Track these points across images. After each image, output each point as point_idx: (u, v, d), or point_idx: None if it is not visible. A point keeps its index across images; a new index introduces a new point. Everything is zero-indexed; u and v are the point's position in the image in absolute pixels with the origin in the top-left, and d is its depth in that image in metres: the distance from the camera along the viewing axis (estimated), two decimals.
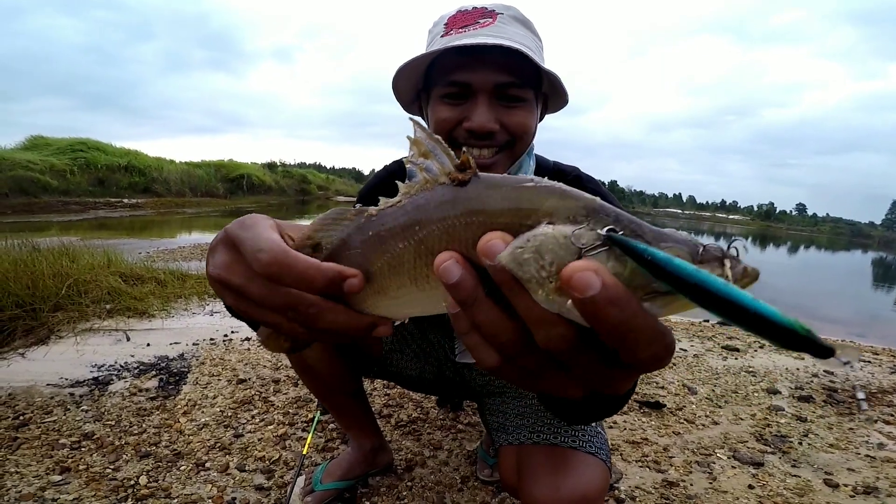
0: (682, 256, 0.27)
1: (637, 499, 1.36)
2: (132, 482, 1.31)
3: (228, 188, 20.29)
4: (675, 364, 2.58)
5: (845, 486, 1.50)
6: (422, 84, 0.87)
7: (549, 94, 0.89)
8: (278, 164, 27.17)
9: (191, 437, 1.53)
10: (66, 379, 1.88)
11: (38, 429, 1.56)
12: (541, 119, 0.91)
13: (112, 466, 1.38)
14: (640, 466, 1.53)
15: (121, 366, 2.01)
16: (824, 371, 2.66)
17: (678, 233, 0.30)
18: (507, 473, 0.90)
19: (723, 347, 3.03)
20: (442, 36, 0.79)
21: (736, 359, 2.81)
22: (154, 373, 1.96)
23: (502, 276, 0.29)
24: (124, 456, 1.43)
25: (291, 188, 25.18)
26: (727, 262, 0.27)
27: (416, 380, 1.17)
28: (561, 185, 0.32)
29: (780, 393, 2.28)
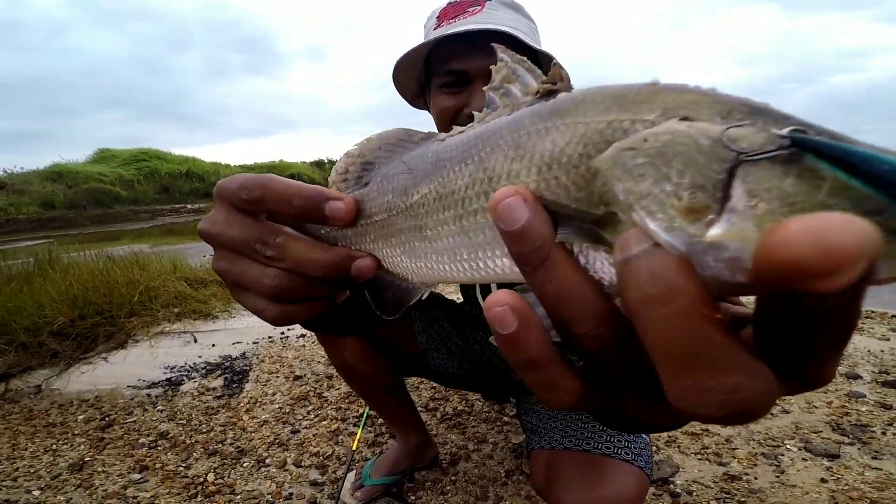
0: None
1: (694, 493, 1.31)
2: (201, 479, 1.40)
3: None
4: None
5: None
6: (423, 78, 0.88)
7: None
8: (326, 161, 27.89)
9: (252, 435, 1.61)
10: (144, 381, 2.04)
11: (122, 429, 1.70)
12: None
13: (184, 464, 1.48)
14: (699, 459, 1.47)
15: (190, 366, 2.16)
16: None
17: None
18: (538, 478, 0.89)
19: None
20: (434, 28, 0.81)
21: None
22: (219, 372, 2.09)
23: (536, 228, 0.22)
24: (194, 454, 1.53)
25: None
26: None
27: (454, 378, 1.18)
28: (703, 87, 0.23)
29: (860, 378, 2.10)
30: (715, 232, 0.19)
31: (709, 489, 1.33)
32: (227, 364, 2.17)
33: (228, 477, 1.41)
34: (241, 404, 1.81)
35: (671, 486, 1.33)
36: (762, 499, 1.29)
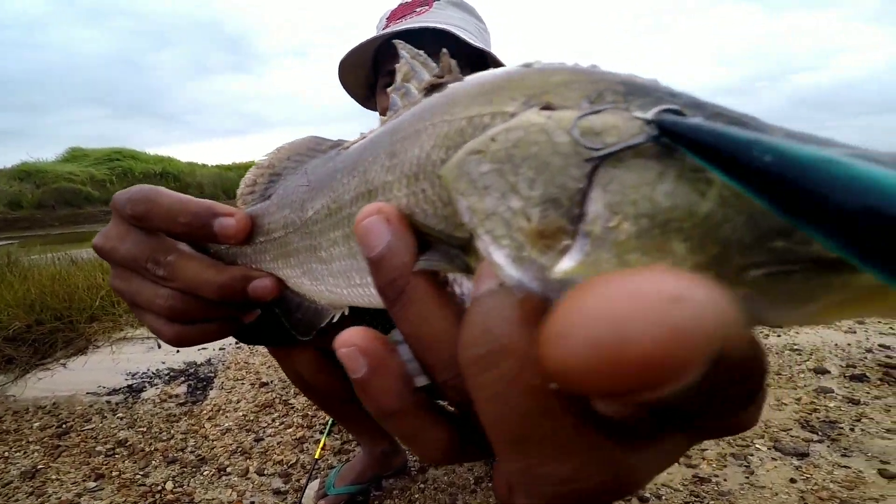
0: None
1: (663, 497, 1.31)
2: (159, 487, 1.35)
3: None
4: None
5: None
6: (373, 79, 0.87)
7: None
8: None
9: (214, 443, 1.56)
10: (104, 387, 1.96)
11: (79, 436, 1.63)
12: None
13: (142, 472, 1.43)
14: None
15: (153, 373, 2.09)
16: (879, 346, 2.44)
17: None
18: (499, 491, 0.86)
19: None
20: (382, 29, 0.80)
21: (778, 336, 2.65)
22: (183, 379, 2.03)
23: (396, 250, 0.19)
24: (153, 462, 1.47)
25: None
26: None
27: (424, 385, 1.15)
28: (577, 65, 0.19)
29: (829, 372, 2.13)
30: (565, 265, 0.14)
31: (678, 493, 1.32)
32: (192, 370, 2.11)
33: (188, 485, 1.36)
34: (204, 412, 1.76)
35: (640, 490, 1.33)
36: (731, 501, 1.29)
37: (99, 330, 2.43)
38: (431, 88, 0.24)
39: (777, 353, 2.36)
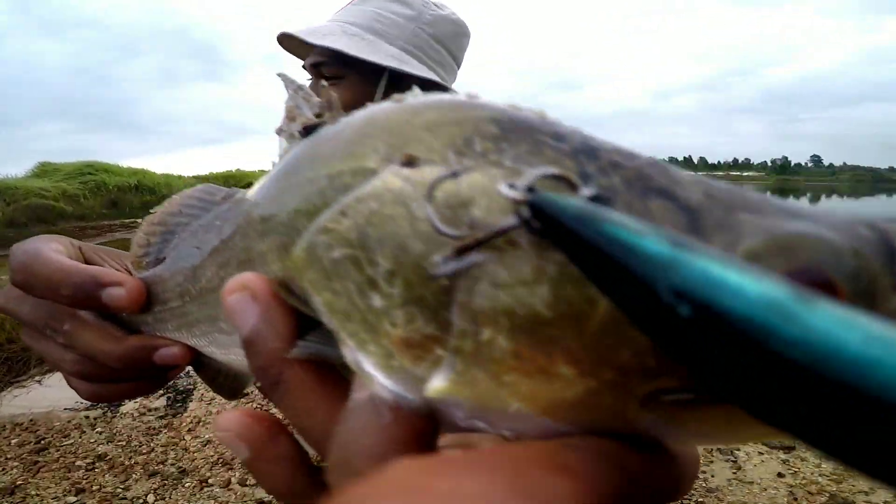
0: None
1: None
2: (141, 501, 1.38)
3: None
4: None
5: None
6: None
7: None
8: None
9: (195, 455, 1.59)
10: (81, 402, 1.96)
11: (58, 452, 1.64)
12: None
13: (122, 486, 1.45)
14: None
15: None
16: None
17: (795, 205, 0.14)
18: None
19: None
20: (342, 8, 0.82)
21: None
22: (162, 392, 2.03)
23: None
24: (134, 475, 1.50)
25: None
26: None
27: None
28: (465, 98, 0.17)
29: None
30: (437, 384, 0.12)
31: None
32: (170, 383, 2.12)
33: (170, 497, 1.39)
34: (184, 424, 1.78)
35: None
36: (720, 497, 1.31)
37: None
38: (307, 131, 0.20)
39: None
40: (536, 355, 0.11)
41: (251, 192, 0.22)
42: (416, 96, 0.17)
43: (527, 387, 0.12)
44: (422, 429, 0.13)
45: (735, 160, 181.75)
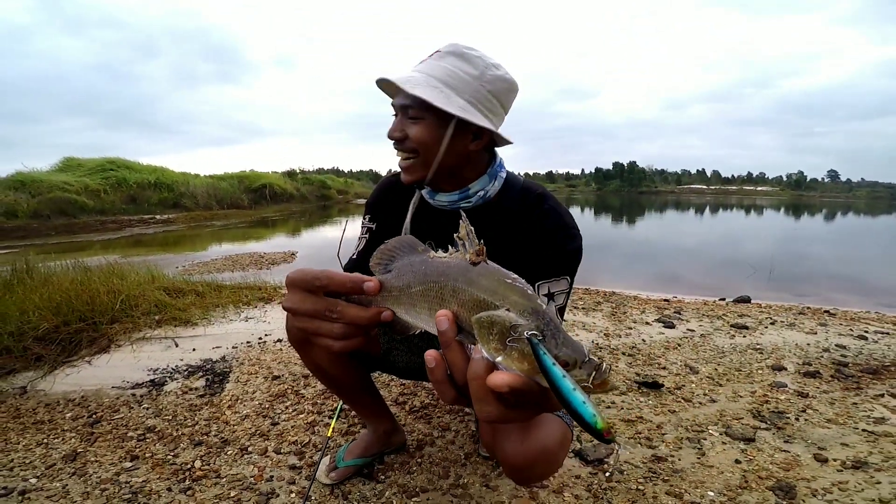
0: (567, 360, 0.42)
1: (625, 472, 1.49)
2: (189, 466, 1.54)
3: (252, 199, 20.70)
4: (679, 345, 2.68)
5: (834, 460, 1.55)
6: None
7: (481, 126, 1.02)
8: (297, 171, 27.65)
9: (235, 427, 1.76)
10: (128, 382, 2.14)
11: (109, 424, 1.81)
12: (487, 146, 1.07)
13: (172, 453, 1.61)
14: (633, 443, 1.66)
15: (172, 369, 2.28)
16: (836, 345, 2.69)
17: (580, 345, 0.44)
18: (485, 438, 1.04)
19: (731, 326, 3.09)
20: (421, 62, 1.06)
21: (744, 336, 2.88)
22: (201, 374, 2.21)
23: (447, 338, 0.50)
24: (181, 444, 1.66)
25: (312, 194, 25.57)
26: (594, 373, 0.42)
27: (414, 371, 1.37)
28: (526, 288, 0.48)
29: (785, 369, 2.31)
30: (499, 357, 0.45)
31: (638, 469, 1.52)
32: (208, 366, 2.30)
33: (214, 463, 1.55)
34: (224, 401, 1.95)
35: (605, 465, 1.53)
36: (683, 477, 1.47)
37: (120, 330, 2.61)
38: (474, 264, 0.52)
39: (740, 352, 2.58)
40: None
41: (439, 261, 0.56)
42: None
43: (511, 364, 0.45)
44: (493, 368, 0.46)
45: (749, 174, 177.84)
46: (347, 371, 1.30)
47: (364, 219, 1.26)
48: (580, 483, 1.44)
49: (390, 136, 1.04)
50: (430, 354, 0.51)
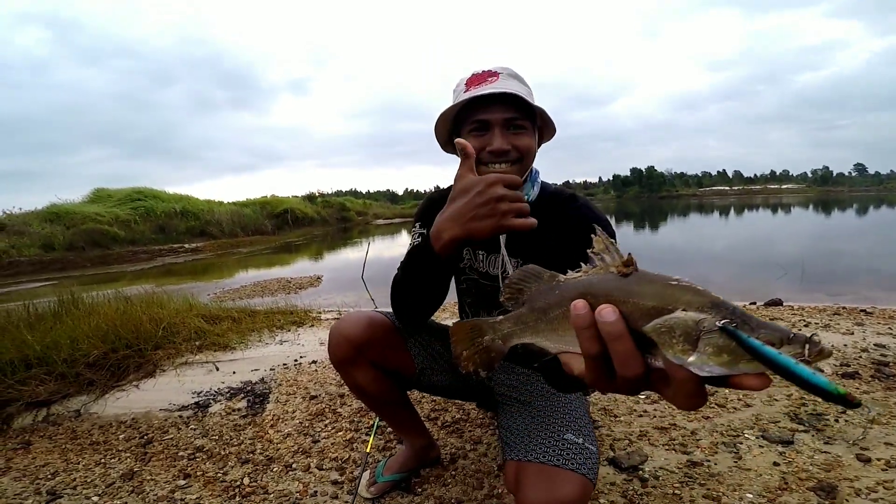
0: (772, 340, 0.38)
1: (660, 478, 1.50)
2: (238, 483, 1.61)
3: (275, 224, 21.13)
4: None
5: (878, 460, 1.52)
6: (452, 128, 1.19)
7: (542, 126, 1.19)
8: (317, 194, 28.16)
9: (279, 445, 1.83)
10: (174, 404, 2.25)
11: (161, 444, 1.91)
12: (538, 146, 1.20)
13: (221, 472, 1.69)
14: (667, 449, 1.67)
15: (215, 391, 2.38)
16: (875, 345, 2.61)
17: (775, 324, 0.40)
18: (509, 482, 1.10)
19: None
20: (464, 92, 1.12)
21: None
22: (242, 395, 2.31)
23: (617, 329, 0.46)
24: (230, 463, 1.74)
25: (332, 217, 25.97)
26: (807, 345, 0.38)
27: (447, 390, 1.41)
28: (694, 284, 0.45)
29: (822, 371, 2.22)
30: (692, 357, 0.42)
31: (673, 474, 1.52)
32: (249, 388, 2.39)
33: (261, 480, 1.62)
34: (266, 421, 2.03)
35: (640, 472, 1.54)
36: (720, 481, 1.47)
37: (163, 356, 2.73)
38: (625, 275, 0.49)
39: None
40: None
41: (571, 282, 0.55)
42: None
43: (707, 360, 0.42)
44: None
45: (772, 172, 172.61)
46: (386, 389, 1.36)
47: (415, 226, 1.31)
48: (615, 490, 1.46)
49: (500, 150, 1.08)
50: (580, 303, 0.49)
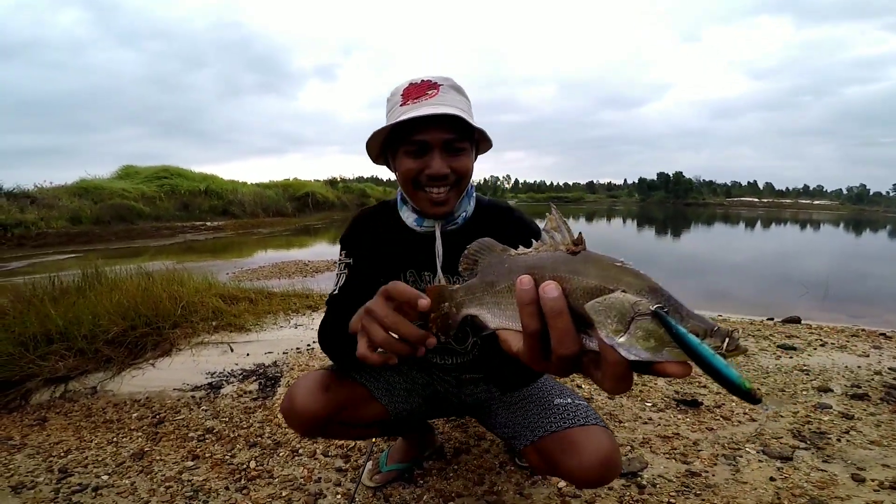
0: (697, 331, 0.41)
1: (657, 486, 1.52)
2: (244, 466, 1.66)
3: (296, 206, 21.29)
4: None
5: (872, 480, 1.53)
6: (386, 141, 1.11)
7: (480, 139, 1.12)
8: (339, 179, 28.32)
9: (287, 430, 1.88)
10: (188, 384, 2.32)
11: (172, 425, 1.97)
12: (475, 160, 1.15)
13: (229, 454, 1.75)
14: (667, 458, 1.68)
15: (228, 372, 2.45)
16: (889, 368, 2.59)
17: (703, 316, 0.42)
18: (538, 466, 1.13)
19: (778, 346, 3.01)
20: (401, 105, 1.05)
21: (791, 357, 2.80)
22: (254, 377, 2.37)
23: (559, 305, 0.47)
24: (238, 445, 1.80)
25: (353, 203, 26.06)
26: (727, 339, 0.40)
27: (426, 412, 1.37)
28: (637, 269, 0.46)
29: (831, 391, 2.25)
30: (622, 338, 0.43)
31: (671, 483, 1.54)
32: (261, 371, 2.45)
33: (267, 464, 1.67)
34: (276, 405, 2.09)
35: (639, 479, 1.55)
36: (715, 492, 1.49)
37: (180, 335, 2.82)
38: (573, 253, 0.50)
39: (786, 373, 2.52)
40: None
41: (521, 257, 0.56)
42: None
43: (636, 342, 0.44)
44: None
45: (805, 187, 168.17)
46: (372, 432, 1.32)
47: (341, 255, 1.23)
48: (612, 494, 1.48)
49: (439, 175, 1.03)
50: (526, 278, 0.50)
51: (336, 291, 1.19)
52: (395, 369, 1.30)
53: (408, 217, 1.15)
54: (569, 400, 1.14)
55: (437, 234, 1.12)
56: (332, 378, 1.17)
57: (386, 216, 1.20)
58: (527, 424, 1.14)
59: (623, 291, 0.44)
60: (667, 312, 0.42)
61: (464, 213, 1.15)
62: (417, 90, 1.05)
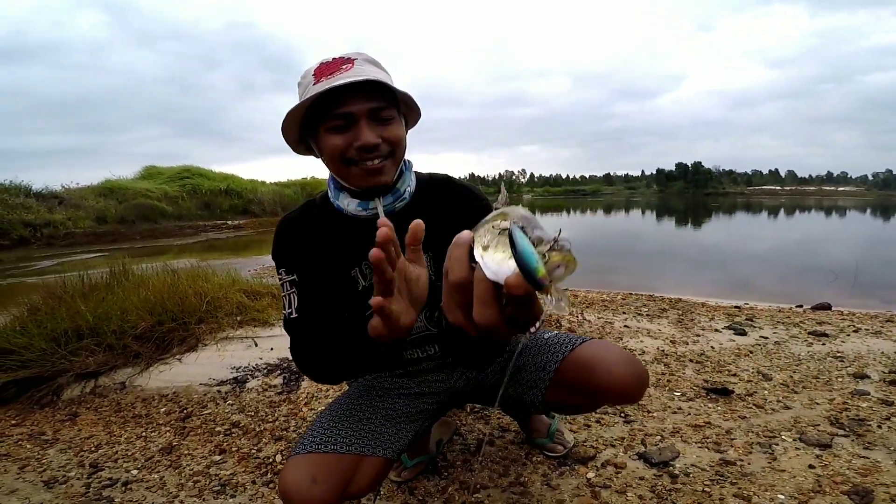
0: (535, 241, 0.44)
1: (691, 475, 1.48)
2: (271, 460, 1.67)
3: None
4: (751, 352, 2.58)
5: None
6: (304, 125, 1.03)
7: (407, 112, 1.06)
8: None
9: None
10: (214, 379, 2.35)
11: (199, 419, 2.00)
12: (406, 133, 1.07)
13: (256, 448, 1.76)
14: (699, 447, 1.63)
15: (253, 367, 2.47)
16: None
17: (547, 232, 0.46)
18: (578, 371, 1.10)
19: (809, 333, 2.93)
20: (314, 84, 0.97)
21: (823, 344, 2.73)
22: (279, 372, 2.39)
23: (463, 238, 0.53)
24: (263, 440, 1.81)
25: None
26: (553, 243, 0.44)
27: (435, 413, 1.28)
28: (525, 210, 0.50)
29: (868, 377, 2.19)
30: (480, 252, 0.50)
31: (705, 472, 1.50)
32: (285, 365, 2.47)
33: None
34: (300, 399, 2.10)
35: (671, 468, 1.52)
36: (752, 481, 1.45)
37: (206, 330, 2.85)
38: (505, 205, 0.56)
39: (819, 360, 2.45)
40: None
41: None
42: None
43: (496, 253, 0.49)
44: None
45: (829, 173, 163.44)
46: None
47: (280, 273, 1.08)
48: (644, 484, 1.44)
49: (369, 145, 0.96)
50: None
51: (294, 314, 1.03)
52: (393, 415, 1.19)
53: (349, 204, 1.05)
54: (555, 332, 1.18)
55: (380, 209, 1.04)
56: (314, 464, 1.01)
57: (315, 214, 1.12)
58: (555, 350, 1.15)
59: (506, 221, 0.49)
60: (523, 230, 0.45)
61: (408, 188, 1.08)
62: (330, 67, 0.98)
